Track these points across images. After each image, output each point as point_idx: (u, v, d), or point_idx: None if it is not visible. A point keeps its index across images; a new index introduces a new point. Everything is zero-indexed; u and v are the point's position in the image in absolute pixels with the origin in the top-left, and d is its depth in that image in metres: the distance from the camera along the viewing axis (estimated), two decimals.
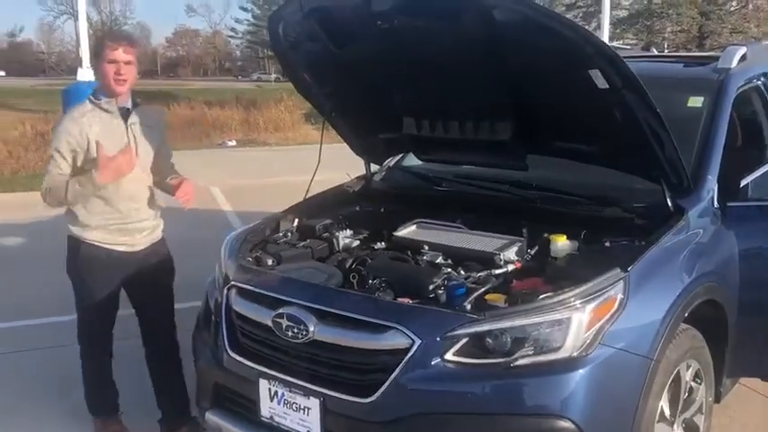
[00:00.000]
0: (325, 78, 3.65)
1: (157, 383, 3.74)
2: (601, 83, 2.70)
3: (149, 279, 3.56)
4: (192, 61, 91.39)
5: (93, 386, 3.70)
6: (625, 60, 2.68)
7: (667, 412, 2.85)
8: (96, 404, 3.72)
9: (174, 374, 3.72)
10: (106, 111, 3.34)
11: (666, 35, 34.36)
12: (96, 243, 3.40)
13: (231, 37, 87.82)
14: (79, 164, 3.30)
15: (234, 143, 17.75)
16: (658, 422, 2.76)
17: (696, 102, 3.52)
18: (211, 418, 3.12)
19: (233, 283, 3.09)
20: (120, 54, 3.28)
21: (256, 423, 2.92)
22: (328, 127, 3.95)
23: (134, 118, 3.42)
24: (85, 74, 12.32)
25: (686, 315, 2.83)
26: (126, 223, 3.42)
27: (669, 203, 2.99)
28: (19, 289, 6.11)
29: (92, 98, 3.37)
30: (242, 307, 3.01)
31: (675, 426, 2.93)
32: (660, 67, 4.14)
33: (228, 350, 2.98)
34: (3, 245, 7.82)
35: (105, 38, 3.38)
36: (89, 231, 3.39)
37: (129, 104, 3.41)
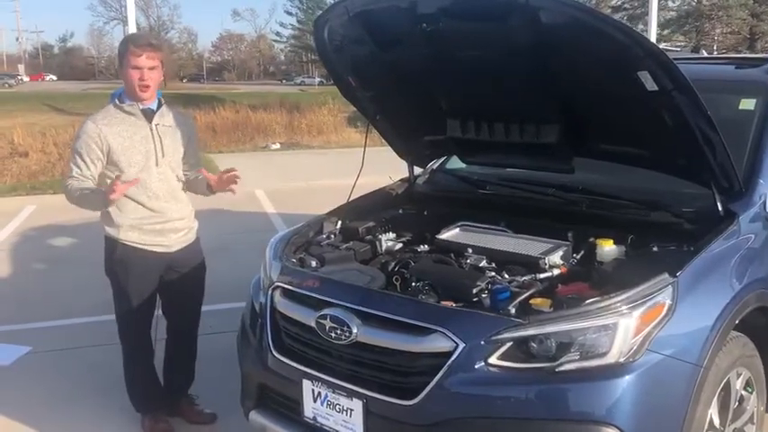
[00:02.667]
0: (370, 81, 3.66)
1: (170, 368, 3.87)
2: (650, 85, 2.65)
3: (183, 279, 3.64)
4: (237, 65, 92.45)
5: (136, 384, 3.77)
6: (675, 62, 2.63)
7: (716, 421, 2.78)
8: (142, 402, 3.79)
9: (187, 364, 3.86)
10: (129, 113, 3.41)
11: (716, 37, 33.67)
12: (132, 244, 3.46)
13: (276, 41, 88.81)
14: (99, 166, 3.38)
15: (278, 146, 17.94)
16: (707, 431, 2.70)
17: (748, 104, 3.43)
18: (255, 417, 3.15)
19: (277, 284, 3.12)
20: (144, 60, 3.33)
21: (300, 423, 2.94)
22: (371, 130, 3.96)
23: (159, 119, 3.47)
24: None
25: (737, 322, 2.77)
26: (159, 223, 3.48)
27: (720, 208, 2.92)
28: (65, 288, 6.26)
29: (116, 101, 3.44)
30: (286, 308, 3.03)
31: None
32: (710, 69, 4.05)
33: (273, 351, 3.01)
34: (54, 245, 8.03)
35: (129, 43, 3.38)
36: (124, 232, 3.45)
37: (154, 106, 3.47)
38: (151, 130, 3.45)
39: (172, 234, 3.54)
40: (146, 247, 3.48)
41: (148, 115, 3.45)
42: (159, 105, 3.51)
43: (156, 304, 3.67)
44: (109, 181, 3.34)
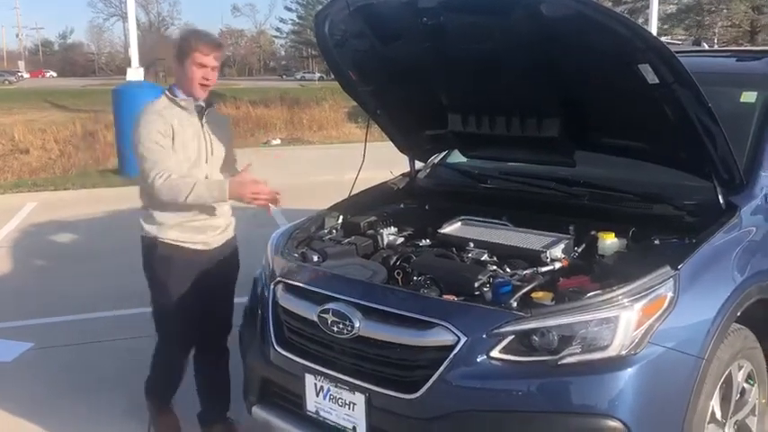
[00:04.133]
0: (371, 76, 3.65)
1: (202, 381, 3.73)
2: (651, 78, 2.65)
3: (221, 276, 3.55)
4: (237, 61, 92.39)
5: (164, 382, 3.67)
6: (676, 55, 2.63)
7: (718, 414, 2.79)
8: (161, 397, 3.70)
9: (221, 374, 3.71)
10: (183, 108, 3.35)
11: (717, 30, 33.61)
12: (173, 242, 3.38)
13: (276, 36, 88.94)
14: (171, 155, 3.26)
15: (278, 141, 17.94)
16: (709, 423, 2.70)
17: (749, 97, 3.44)
18: (258, 412, 3.16)
19: (279, 278, 3.12)
20: (211, 60, 3.30)
21: (302, 418, 2.94)
22: (372, 125, 3.96)
23: (207, 117, 3.43)
24: (134, 74, 12.57)
25: (738, 315, 2.77)
26: (200, 221, 3.40)
27: (721, 201, 2.92)
28: (66, 285, 6.27)
29: (168, 94, 3.38)
30: (288, 302, 3.04)
31: (727, 428, 2.87)
32: (712, 62, 4.05)
33: (275, 345, 3.02)
34: (55, 242, 8.04)
35: (199, 41, 3.30)
36: (165, 230, 3.36)
37: (204, 104, 3.42)
38: (202, 126, 3.40)
39: (211, 231, 3.46)
40: (186, 245, 3.40)
41: (200, 112, 3.41)
42: (209, 104, 3.46)
43: (198, 301, 3.51)
44: (216, 185, 3.28)
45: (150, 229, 3.40)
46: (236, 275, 3.67)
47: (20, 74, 74.05)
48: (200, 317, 3.60)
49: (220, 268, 3.53)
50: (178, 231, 3.37)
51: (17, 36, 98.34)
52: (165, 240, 3.38)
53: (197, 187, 3.21)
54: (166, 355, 3.62)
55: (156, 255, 3.42)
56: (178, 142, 3.28)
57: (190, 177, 3.26)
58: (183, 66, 3.31)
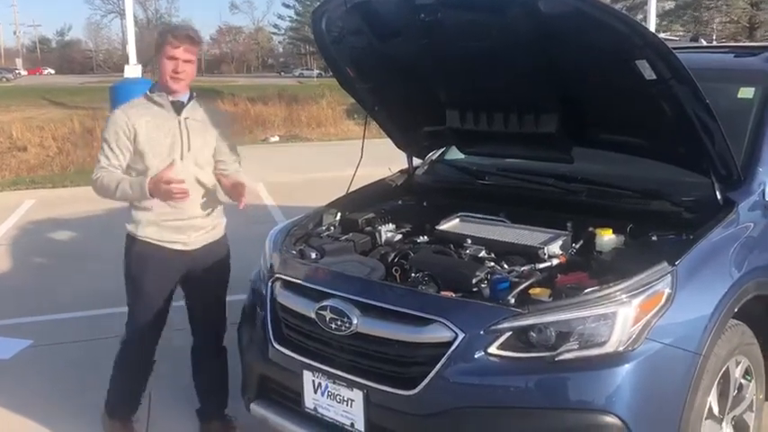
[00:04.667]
0: (369, 72, 3.65)
1: (200, 379, 3.73)
2: (648, 73, 2.65)
3: (204, 279, 3.51)
4: (235, 58, 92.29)
5: (125, 389, 3.63)
6: (673, 51, 2.63)
7: (716, 409, 2.79)
8: (120, 407, 3.67)
9: (219, 372, 3.70)
10: (157, 104, 3.34)
11: (715, 26, 33.60)
12: (149, 240, 3.37)
13: (274, 33, 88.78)
14: (127, 156, 3.29)
15: (277, 139, 17.92)
16: (706, 419, 2.71)
17: (747, 92, 3.43)
18: (256, 408, 3.17)
19: (277, 275, 3.12)
20: (181, 52, 3.28)
21: (300, 414, 2.95)
22: (370, 122, 3.96)
23: (188, 112, 3.38)
24: (132, 71, 12.56)
25: (736, 311, 2.77)
26: (179, 219, 3.36)
27: (718, 196, 2.93)
28: (65, 282, 6.27)
29: (147, 91, 3.39)
30: (286, 299, 3.04)
31: (724, 423, 2.88)
32: (709, 58, 4.05)
33: (273, 342, 3.02)
34: (54, 239, 8.04)
35: (169, 33, 3.31)
36: (142, 228, 3.36)
37: (185, 99, 3.39)
38: (179, 123, 3.34)
39: (192, 232, 3.41)
40: (164, 245, 3.38)
41: (178, 108, 3.36)
42: (190, 99, 3.43)
43: (170, 305, 3.53)
44: (134, 174, 3.31)
45: (129, 227, 3.42)
46: (226, 276, 3.63)
47: (17, 71, 73.91)
48: (192, 317, 3.63)
49: (207, 269, 3.49)
50: (155, 229, 3.37)
51: (15, 33, 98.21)
52: (142, 238, 3.38)
53: (121, 185, 3.25)
54: (131, 358, 3.58)
55: (132, 252, 3.42)
56: (143, 141, 3.27)
57: (119, 175, 3.28)
58: (158, 59, 3.33)
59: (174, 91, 3.34)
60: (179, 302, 3.59)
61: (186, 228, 3.40)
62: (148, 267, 3.41)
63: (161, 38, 3.33)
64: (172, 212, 3.35)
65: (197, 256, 3.45)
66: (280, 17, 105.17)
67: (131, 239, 3.42)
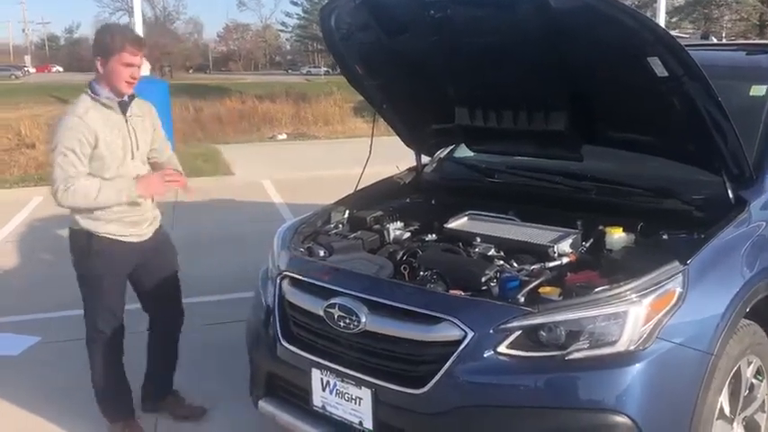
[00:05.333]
0: (378, 69, 3.64)
1: (154, 366, 3.86)
2: (660, 71, 2.63)
3: (161, 261, 3.68)
4: (242, 55, 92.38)
5: (109, 390, 3.67)
6: (685, 48, 2.60)
7: (727, 409, 2.77)
8: (114, 408, 3.70)
9: (171, 359, 3.85)
10: (106, 106, 3.35)
11: (725, 24, 33.41)
12: (111, 236, 3.43)
13: (281, 31, 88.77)
14: (87, 162, 3.29)
15: (284, 136, 17.92)
16: (717, 419, 2.69)
17: (759, 90, 3.39)
18: (264, 406, 3.16)
19: (285, 273, 3.11)
20: (138, 59, 3.34)
21: (308, 412, 2.94)
22: (378, 120, 3.94)
23: (130, 110, 3.46)
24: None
25: (747, 310, 2.75)
26: (136, 214, 3.48)
27: (730, 195, 2.90)
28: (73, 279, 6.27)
29: (90, 93, 3.35)
30: (294, 297, 3.03)
31: (735, 423, 2.85)
32: (721, 56, 4.01)
33: (281, 340, 3.01)
34: (62, 236, 8.03)
35: (123, 41, 3.28)
36: (104, 225, 3.40)
37: (126, 98, 3.44)
38: (126, 122, 3.41)
39: (144, 223, 3.56)
40: (122, 239, 3.47)
41: (123, 107, 3.42)
42: (131, 97, 3.46)
43: (122, 291, 3.62)
44: (125, 184, 3.34)
45: (86, 224, 3.41)
46: (175, 258, 3.81)
47: (26, 69, 74.25)
48: (148, 309, 3.76)
49: (157, 254, 3.66)
50: (116, 226, 3.43)
51: (23, 31, 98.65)
52: (104, 234, 3.42)
53: (104, 190, 3.27)
54: (105, 358, 3.61)
55: (91, 250, 3.44)
56: (103, 146, 3.29)
57: (97, 181, 3.28)
58: (109, 64, 3.29)
59: (125, 94, 3.40)
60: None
61: (141, 221, 3.54)
62: (112, 262, 3.48)
63: (113, 42, 3.29)
64: (130, 209, 3.45)
65: (147, 246, 3.59)
66: (287, 15, 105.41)
67: (86, 236, 3.43)
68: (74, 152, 3.23)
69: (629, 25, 2.56)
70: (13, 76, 64.97)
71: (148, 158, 3.62)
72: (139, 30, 13.75)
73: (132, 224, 3.48)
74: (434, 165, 4.16)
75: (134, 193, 3.33)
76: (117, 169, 3.35)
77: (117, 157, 3.35)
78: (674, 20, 32.13)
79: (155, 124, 3.65)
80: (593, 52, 2.83)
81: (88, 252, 3.45)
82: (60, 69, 78.53)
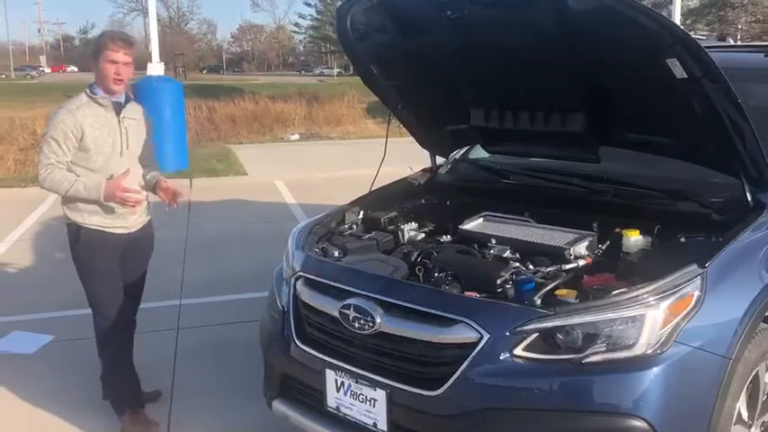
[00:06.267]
0: (393, 70, 3.63)
1: (129, 355, 3.86)
2: (679, 72, 2.60)
3: (138, 256, 3.79)
4: (256, 56, 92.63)
5: (118, 380, 3.76)
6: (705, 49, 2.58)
7: (745, 415, 2.74)
8: (123, 399, 3.77)
9: (130, 343, 3.87)
10: (101, 105, 3.53)
11: (740, 26, 33.16)
12: (97, 227, 3.57)
13: (295, 32, 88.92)
14: (72, 154, 3.47)
15: (297, 137, 17.93)
16: (735, 424, 2.65)
17: None
18: (278, 407, 3.15)
19: (300, 273, 3.11)
20: (121, 56, 3.48)
21: (323, 413, 2.93)
22: (392, 120, 3.93)
23: (125, 112, 3.61)
24: (155, 69, 12.61)
25: (766, 314, 2.71)
26: (120, 207, 3.57)
27: (749, 198, 2.86)
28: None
29: (88, 92, 3.56)
30: (309, 297, 3.02)
31: (753, 429, 2.82)
32: (740, 57, 3.98)
33: (296, 340, 3.01)
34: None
35: (107, 39, 3.51)
36: (89, 217, 3.56)
37: (122, 99, 3.60)
38: (119, 122, 3.58)
39: (130, 216, 3.66)
40: (109, 230, 3.60)
41: (117, 108, 3.58)
42: (127, 99, 3.65)
43: (121, 286, 3.73)
44: (77, 169, 3.49)
45: (74, 217, 3.59)
46: (150, 254, 3.93)
47: (41, 68, 74.86)
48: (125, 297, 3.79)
49: (138, 249, 3.78)
50: (101, 217, 3.56)
51: (39, 31, 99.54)
52: (88, 226, 3.57)
53: (76, 185, 3.45)
54: (111, 352, 3.73)
55: (79, 241, 3.60)
56: (89, 140, 3.47)
57: (72, 175, 3.47)
58: (98, 62, 3.51)
59: (116, 92, 3.55)
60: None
61: (127, 214, 3.64)
62: (98, 253, 3.60)
63: (100, 41, 3.55)
64: (115, 204, 3.55)
65: (134, 237, 3.72)
66: (301, 16, 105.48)
67: (77, 228, 3.61)
68: (57, 142, 3.45)
69: (648, 26, 2.54)
70: (29, 76, 65.54)
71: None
72: (154, 30, 13.83)
73: (116, 216, 3.59)
74: (449, 166, 4.15)
75: (102, 194, 3.44)
76: (103, 163, 3.52)
77: (104, 152, 3.52)
78: (688, 22, 31.94)
79: (148, 130, 3.81)
80: (611, 53, 2.80)
81: (77, 243, 3.61)
82: (75, 69, 79.04)
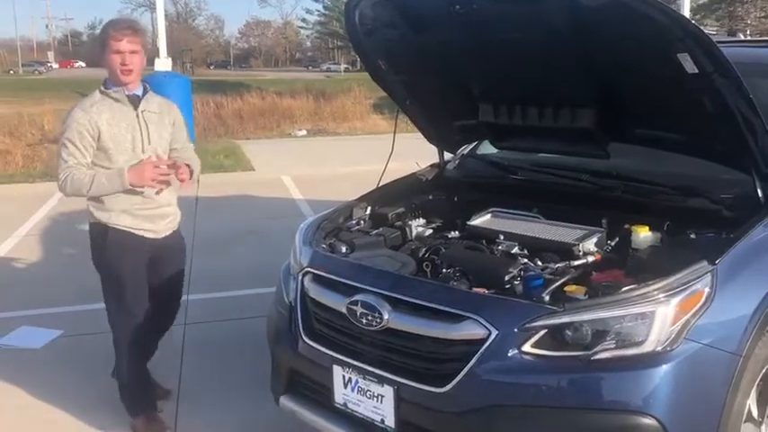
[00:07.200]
0: (401, 65, 3.61)
1: (147, 358, 3.83)
2: (690, 67, 2.57)
3: (168, 264, 3.66)
4: (263, 52, 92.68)
5: (134, 384, 3.68)
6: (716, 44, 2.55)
7: (755, 412, 2.72)
8: (137, 403, 3.71)
9: (151, 352, 3.84)
10: (115, 100, 3.39)
11: (750, 21, 32.98)
12: (124, 228, 3.44)
13: (302, 28, 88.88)
14: (91, 153, 3.34)
15: (304, 133, 17.93)
16: (745, 422, 2.63)
17: None
18: (286, 403, 3.15)
19: (307, 269, 3.10)
20: (125, 44, 3.31)
21: (330, 409, 2.92)
22: (400, 116, 3.91)
23: (144, 105, 3.46)
24: (163, 64, 12.64)
25: None
26: (150, 209, 3.48)
27: (760, 194, 2.83)
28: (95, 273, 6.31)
29: (102, 88, 3.43)
30: (316, 293, 3.02)
31: (764, 427, 2.79)
32: (751, 52, 3.95)
33: (303, 336, 3.00)
34: (84, 230, 8.10)
35: (109, 28, 3.35)
36: (115, 217, 3.43)
37: (140, 92, 3.46)
38: (137, 116, 3.43)
39: (160, 220, 3.55)
40: (137, 232, 3.47)
41: (134, 101, 3.43)
42: (145, 92, 3.49)
43: (147, 293, 3.60)
44: (98, 170, 3.35)
45: (101, 216, 3.46)
46: (183, 262, 3.83)
47: (49, 64, 75.07)
48: (153, 305, 3.66)
49: (168, 256, 3.66)
50: (129, 218, 3.44)
51: (47, 27, 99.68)
52: (117, 226, 3.44)
53: (96, 178, 3.30)
54: (130, 352, 3.62)
55: (107, 242, 3.47)
56: (107, 139, 3.33)
57: (91, 171, 3.32)
58: (105, 56, 3.35)
59: (127, 84, 3.38)
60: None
61: (155, 217, 3.52)
62: (126, 255, 3.48)
63: (103, 34, 3.38)
64: (142, 201, 3.45)
65: (163, 244, 3.59)
66: (308, 11, 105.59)
67: (103, 228, 3.48)
68: (73, 143, 3.32)
69: (659, 21, 2.51)
70: (37, 72, 65.71)
71: (170, 157, 3.62)
72: (161, 26, 13.86)
73: (146, 219, 3.48)
74: (457, 161, 4.13)
75: (126, 181, 3.30)
76: (125, 162, 3.37)
77: (124, 149, 3.38)
78: (696, 17, 31.79)
79: (176, 122, 3.65)
80: (622, 48, 2.78)
81: (103, 244, 3.49)
82: (83, 65, 79.18)
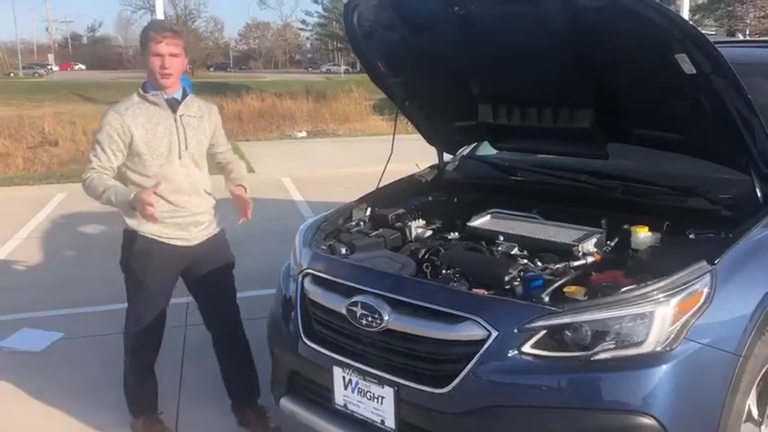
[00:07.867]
0: (400, 66, 3.62)
1: (224, 369, 3.76)
2: (688, 68, 2.58)
3: (207, 272, 3.53)
4: (263, 54, 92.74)
5: (137, 385, 3.67)
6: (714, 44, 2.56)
7: (755, 412, 2.72)
8: (139, 404, 3.70)
9: (240, 360, 3.72)
10: (153, 103, 3.32)
11: (749, 21, 32.99)
12: (152, 236, 3.36)
13: (301, 29, 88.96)
14: (120, 158, 3.28)
15: (304, 134, 17.95)
16: (745, 422, 2.63)
17: None
18: (286, 404, 3.16)
19: (307, 271, 3.10)
20: (164, 47, 3.24)
21: (330, 410, 2.93)
22: (399, 117, 3.92)
23: (183, 109, 3.39)
24: None
25: None
26: (180, 216, 3.38)
27: (759, 194, 2.84)
28: (96, 275, 6.32)
29: (140, 91, 3.35)
30: (316, 295, 3.02)
31: (763, 427, 2.79)
32: (749, 52, 3.95)
33: (303, 337, 3.00)
34: (84, 233, 8.12)
35: (150, 30, 3.28)
36: (144, 224, 3.31)
37: (179, 95, 3.39)
38: (175, 120, 3.34)
39: (193, 228, 3.44)
40: (166, 241, 3.38)
41: (173, 105, 3.35)
42: (184, 95, 3.42)
43: (170, 300, 3.57)
44: (132, 175, 3.31)
45: (131, 223, 3.38)
46: (230, 269, 3.66)
47: (49, 67, 75.13)
48: (203, 310, 3.65)
49: (205, 263, 3.52)
50: (158, 226, 3.32)
51: (47, 29, 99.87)
52: (145, 234, 3.37)
53: (107, 193, 3.21)
54: (138, 355, 3.62)
55: (134, 248, 3.40)
56: (140, 143, 3.26)
57: (108, 181, 3.24)
58: (145, 58, 3.30)
59: (166, 87, 3.32)
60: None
61: (187, 224, 3.42)
62: (152, 263, 3.41)
63: (143, 36, 3.31)
64: (173, 210, 3.36)
65: (198, 250, 3.48)
66: (307, 13, 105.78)
67: (132, 235, 3.41)
68: (101, 146, 3.25)
69: (657, 22, 2.52)
70: (37, 74, 65.76)
71: (219, 162, 3.65)
72: None
73: (178, 227, 3.39)
74: (456, 163, 4.13)
75: (128, 205, 3.19)
76: (160, 167, 3.30)
77: (159, 154, 3.30)
78: (696, 17, 31.82)
79: (217, 126, 3.61)
80: (620, 49, 2.79)
81: (131, 251, 3.42)
82: (83, 67, 79.34)
